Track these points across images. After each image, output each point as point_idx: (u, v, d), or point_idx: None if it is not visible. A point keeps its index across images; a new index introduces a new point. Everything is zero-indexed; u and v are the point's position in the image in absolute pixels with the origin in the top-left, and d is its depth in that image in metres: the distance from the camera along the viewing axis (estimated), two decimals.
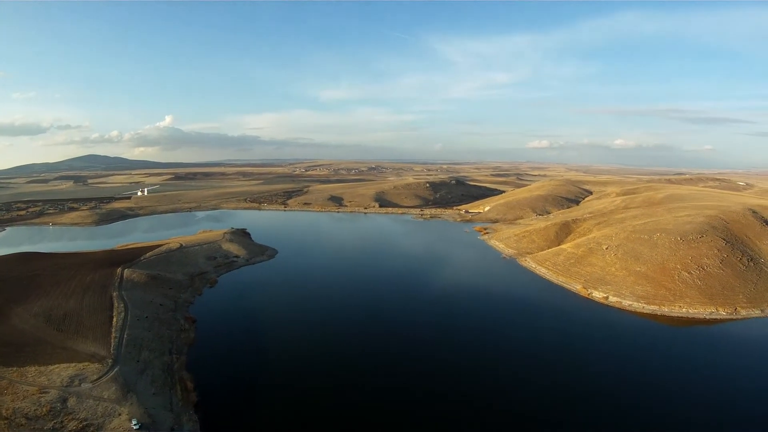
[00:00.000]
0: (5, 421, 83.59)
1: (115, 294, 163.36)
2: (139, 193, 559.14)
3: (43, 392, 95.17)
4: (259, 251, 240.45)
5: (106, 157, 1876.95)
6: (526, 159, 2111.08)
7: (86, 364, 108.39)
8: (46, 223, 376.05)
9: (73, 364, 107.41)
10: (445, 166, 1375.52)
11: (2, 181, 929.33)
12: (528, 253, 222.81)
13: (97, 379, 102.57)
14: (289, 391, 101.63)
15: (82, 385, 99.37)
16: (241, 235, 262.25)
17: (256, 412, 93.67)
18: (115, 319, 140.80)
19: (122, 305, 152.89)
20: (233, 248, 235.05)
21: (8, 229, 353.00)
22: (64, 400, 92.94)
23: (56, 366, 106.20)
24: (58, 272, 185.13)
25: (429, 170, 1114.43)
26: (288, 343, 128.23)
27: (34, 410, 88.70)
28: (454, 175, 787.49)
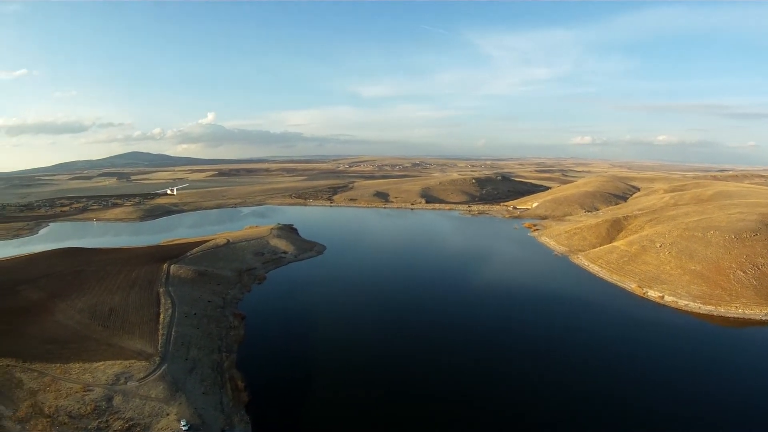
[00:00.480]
0: (47, 420, 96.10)
1: (161, 290, 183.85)
2: (169, 192, 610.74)
3: (88, 390, 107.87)
4: (307, 247, 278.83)
5: (148, 154, 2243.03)
6: (568, 155, 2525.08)
7: (132, 361, 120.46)
8: (90, 219, 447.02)
9: (119, 362, 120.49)
10: (488, 162, 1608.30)
11: (45, 177, 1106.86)
12: (580, 250, 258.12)
13: (143, 378, 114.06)
14: (340, 391, 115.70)
15: (128, 383, 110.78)
16: (289, 230, 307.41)
17: (308, 413, 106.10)
18: (162, 316, 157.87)
19: (169, 301, 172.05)
20: (281, 244, 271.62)
21: (51, 224, 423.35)
22: (110, 399, 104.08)
23: (101, 363, 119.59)
24: (103, 268, 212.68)
25: (473, 166, 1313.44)
26: (338, 341, 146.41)
27: (78, 408, 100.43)
28: (499, 171, 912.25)
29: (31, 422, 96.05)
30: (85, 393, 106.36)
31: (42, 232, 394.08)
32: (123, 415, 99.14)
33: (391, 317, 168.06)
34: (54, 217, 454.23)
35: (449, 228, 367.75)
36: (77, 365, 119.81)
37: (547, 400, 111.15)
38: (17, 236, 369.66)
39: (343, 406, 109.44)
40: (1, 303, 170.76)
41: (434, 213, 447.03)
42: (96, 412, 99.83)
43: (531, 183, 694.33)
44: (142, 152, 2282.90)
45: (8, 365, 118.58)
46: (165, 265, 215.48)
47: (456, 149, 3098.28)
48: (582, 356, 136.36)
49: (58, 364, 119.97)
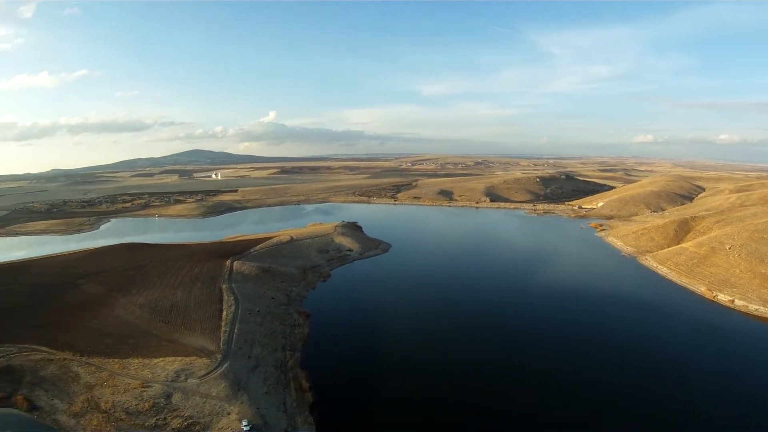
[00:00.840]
0: (103, 415, 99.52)
1: (224, 286, 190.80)
2: (213, 176, 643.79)
3: (146, 386, 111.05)
4: (372, 245, 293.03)
5: (210, 152, 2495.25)
6: (630, 154, 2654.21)
7: (193, 358, 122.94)
8: (152, 215, 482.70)
9: (180, 358, 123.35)
10: (551, 161, 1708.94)
11: (107, 175, 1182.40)
12: (648, 251, 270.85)
13: (204, 375, 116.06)
14: (407, 393, 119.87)
15: (188, 380, 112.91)
16: (353, 228, 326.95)
17: (373, 416, 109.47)
18: (224, 313, 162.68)
19: (232, 298, 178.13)
20: (346, 241, 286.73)
21: (113, 220, 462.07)
22: (169, 396, 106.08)
23: (161, 359, 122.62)
24: (165, 263, 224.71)
25: (536, 165, 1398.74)
26: (405, 342, 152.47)
27: (136, 405, 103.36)
28: (562, 169, 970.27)
29: (86, 417, 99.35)
30: (143, 389, 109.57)
31: (103, 227, 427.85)
32: (182, 413, 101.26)
33: (458, 317, 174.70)
34: (115, 213, 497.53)
35: (515, 227, 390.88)
36: (136, 361, 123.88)
37: (617, 410, 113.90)
38: (78, 231, 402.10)
39: (408, 408, 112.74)
40: (61, 297, 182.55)
41: (499, 212, 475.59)
42: (154, 409, 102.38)
43: (595, 182, 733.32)
44: (204, 150, 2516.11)
45: (65, 359, 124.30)
46: (228, 262, 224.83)
47: (518, 148, 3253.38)
48: (653, 364, 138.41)
49: (117, 359, 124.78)
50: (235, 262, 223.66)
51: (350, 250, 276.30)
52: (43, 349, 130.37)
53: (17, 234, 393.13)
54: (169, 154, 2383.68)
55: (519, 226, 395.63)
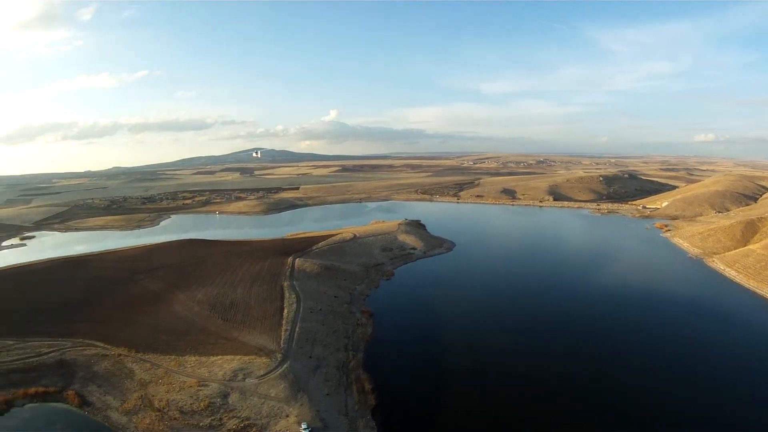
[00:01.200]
0: (156, 413, 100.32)
1: (286, 284, 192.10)
2: (254, 155, 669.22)
3: (203, 385, 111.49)
4: (435, 243, 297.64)
5: (272, 150, 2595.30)
6: (691, 153, 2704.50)
7: (252, 357, 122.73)
8: (213, 212, 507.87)
9: (238, 357, 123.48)
10: (612, 160, 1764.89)
11: (168, 172, 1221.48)
12: (714, 253, 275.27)
13: (263, 375, 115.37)
14: (472, 397, 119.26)
15: (246, 380, 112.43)
16: (417, 226, 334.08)
17: (437, 421, 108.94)
18: (286, 311, 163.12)
19: (294, 296, 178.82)
20: (409, 240, 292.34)
21: (173, 216, 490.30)
22: (225, 396, 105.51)
23: (218, 357, 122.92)
24: (225, 260, 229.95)
25: (597, 164, 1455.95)
26: (470, 343, 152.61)
27: (191, 404, 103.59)
28: (623, 169, 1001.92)
29: (139, 415, 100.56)
30: (199, 388, 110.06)
31: (163, 223, 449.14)
32: (238, 414, 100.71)
33: (524, 320, 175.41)
34: (176, 210, 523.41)
35: (581, 227, 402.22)
36: (193, 358, 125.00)
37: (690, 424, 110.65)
38: (138, 227, 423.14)
39: (472, 414, 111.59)
40: (118, 292, 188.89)
41: (563, 211, 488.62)
42: (210, 408, 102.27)
43: (657, 182, 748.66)
44: (266, 148, 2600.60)
45: (120, 354, 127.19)
46: (290, 259, 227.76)
47: (579, 146, 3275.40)
48: (722, 373, 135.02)
49: (173, 356, 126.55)
50: (297, 260, 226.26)
51: (414, 248, 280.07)
52: (98, 344, 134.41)
53: (76, 229, 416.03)
54: (231, 152, 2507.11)
55: (584, 225, 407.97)
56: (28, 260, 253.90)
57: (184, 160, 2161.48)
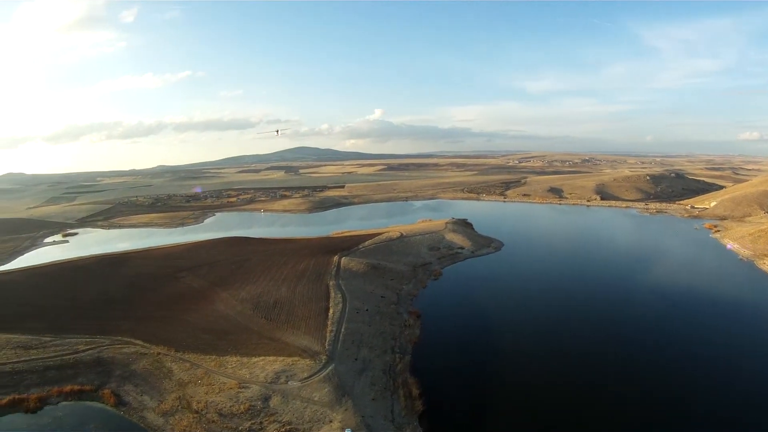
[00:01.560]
0: (194, 415, 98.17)
1: (331, 283, 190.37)
2: (276, 133, 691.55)
3: (243, 387, 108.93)
4: (484, 243, 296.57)
5: (316, 149, 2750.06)
6: (736, 151, 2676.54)
7: (296, 359, 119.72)
8: (257, 210, 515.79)
9: (281, 358, 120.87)
10: (658, 159, 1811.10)
11: (212, 171, 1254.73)
12: (765, 255, 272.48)
13: (307, 378, 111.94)
14: (524, 405, 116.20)
15: (289, 382, 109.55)
16: (464, 225, 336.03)
17: (487, 428, 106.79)
18: (331, 311, 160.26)
19: (339, 295, 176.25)
20: (457, 239, 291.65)
21: (218, 214, 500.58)
22: (267, 399, 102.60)
23: (261, 358, 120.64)
24: (270, 258, 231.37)
25: (642, 163, 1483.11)
26: (522, 348, 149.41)
27: (230, 407, 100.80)
28: (669, 168, 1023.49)
29: (176, 416, 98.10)
30: (239, 390, 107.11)
31: (207, 221, 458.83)
32: (280, 418, 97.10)
33: (575, 322, 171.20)
34: (220, 208, 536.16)
35: (630, 226, 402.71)
36: (234, 359, 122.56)
37: None
38: (182, 224, 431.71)
39: (525, 422, 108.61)
40: (160, 289, 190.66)
41: (611, 210, 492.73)
42: (250, 412, 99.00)
43: (704, 181, 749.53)
44: (310, 147, 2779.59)
45: (159, 353, 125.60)
46: (335, 257, 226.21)
47: (623, 145, 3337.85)
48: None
49: (214, 356, 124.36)
50: (342, 258, 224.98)
51: (462, 247, 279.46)
52: (137, 342, 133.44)
53: (120, 226, 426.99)
54: (275, 150, 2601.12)
55: (633, 225, 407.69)
56: (69, 257, 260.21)
57: (228, 158, 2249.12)
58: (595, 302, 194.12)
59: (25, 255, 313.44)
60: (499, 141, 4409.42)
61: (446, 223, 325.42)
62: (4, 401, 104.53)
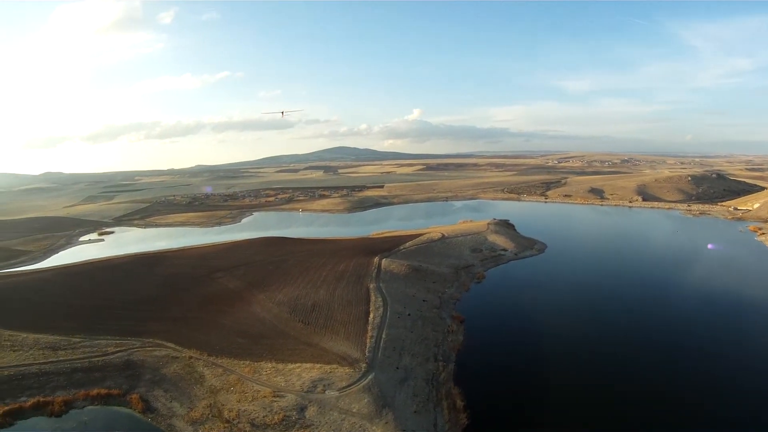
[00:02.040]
0: (225, 425, 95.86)
1: (372, 285, 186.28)
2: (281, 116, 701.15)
3: (278, 396, 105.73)
4: (527, 245, 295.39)
5: (355, 149, 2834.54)
6: None
7: (334, 366, 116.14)
8: (296, 209, 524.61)
9: (318, 365, 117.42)
10: (697, 159, 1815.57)
11: (251, 170, 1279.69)
12: None
13: (345, 387, 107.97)
14: (575, 417, 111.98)
15: (326, 392, 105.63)
16: (506, 226, 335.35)
17: None
18: (371, 315, 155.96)
19: (380, 299, 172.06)
20: (499, 240, 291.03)
21: (255, 214, 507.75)
22: (302, 409, 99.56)
23: (297, 365, 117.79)
24: (308, 259, 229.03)
25: (682, 163, 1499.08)
26: (570, 355, 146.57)
27: (263, 417, 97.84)
28: (709, 168, 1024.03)
29: (206, 425, 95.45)
30: (274, 399, 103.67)
31: (245, 220, 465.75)
32: (316, 431, 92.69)
33: (625, 329, 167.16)
34: (258, 207, 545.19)
35: (674, 229, 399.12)
36: (269, 365, 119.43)
37: None
38: (219, 224, 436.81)
39: None
40: (195, 290, 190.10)
41: (653, 212, 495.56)
42: (284, 423, 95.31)
43: (745, 182, 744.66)
44: (349, 147, 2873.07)
45: (191, 357, 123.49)
46: (376, 259, 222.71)
47: (662, 145, 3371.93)
48: None
49: (248, 362, 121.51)
50: (383, 260, 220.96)
51: (504, 249, 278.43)
52: (169, 344, 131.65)
53: (156, 225, 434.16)
54: (314, 150, 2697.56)
55: (677, 227, 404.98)
56: (104, 255, 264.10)
57: (266, 158, 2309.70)
58: (646, 308, 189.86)
59: (60, 253, 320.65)
60: (538, 141, 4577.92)
61: (488, 224, 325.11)
62: (28, 403, 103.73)
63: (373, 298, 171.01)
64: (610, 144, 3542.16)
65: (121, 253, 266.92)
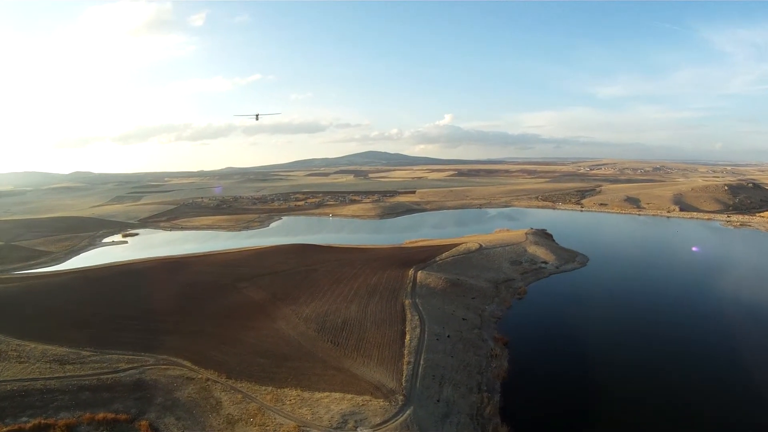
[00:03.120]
0: None
1: (407, 302, 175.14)
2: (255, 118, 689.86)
3: (303, 431, 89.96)
4: (568, 257, 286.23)
5: (386, 153, 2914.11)
6: None
7: (367, 398, 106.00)
8: (326, 214, 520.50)
9: (349, 396, 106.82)
10: (729, 168, 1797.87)
11: (281, 173, 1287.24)
12: None
13: (380, 424, 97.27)
14: None
15: (358, 429, 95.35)
16: (544, 236, 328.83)
17: None
18: (408, 337, 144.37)
19: (417, 317, 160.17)
20: (539, 252, 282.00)
21: (284, 218, 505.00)
22: None
23: (325, 395, 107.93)
24: (339, 269, 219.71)
25: (714, 171, 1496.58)
26: (627, 384, 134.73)
27: None
28: (741, 177, 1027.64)
29: None
30: None
31: (273, 225, 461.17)
32: None
33: (683, 353, 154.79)
34: (287, 211, 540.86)
35: (717, 241, 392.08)
36: (294, 393, 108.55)
37: None
38: (247, 228, 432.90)
39: None
40: (217, 301, 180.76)
41: (692, 222, 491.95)
42: None
43: None
44: (380, 151, 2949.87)
45: (209, 379, 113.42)
46: (411, 271, 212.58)
47: (692, 153, 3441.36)
48: None
49: (270, 388, 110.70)
50: (418, 272, 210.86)
51: (545, 262, 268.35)
52: (185, 363, 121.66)
53: (182, 228, 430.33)
54: (345, 154, 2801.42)
55: (720, 239, 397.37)
56: (125, 259, 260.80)
57: (297, 161, 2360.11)
58: (701, 327, 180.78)
59: (82, 255, 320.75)
60: (569, 147, 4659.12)
61: (526, 234, 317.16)
62: (29, 425, 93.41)
63: (409, 316, 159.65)
64: (640, 151, 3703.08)
65: (143, 257, 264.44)
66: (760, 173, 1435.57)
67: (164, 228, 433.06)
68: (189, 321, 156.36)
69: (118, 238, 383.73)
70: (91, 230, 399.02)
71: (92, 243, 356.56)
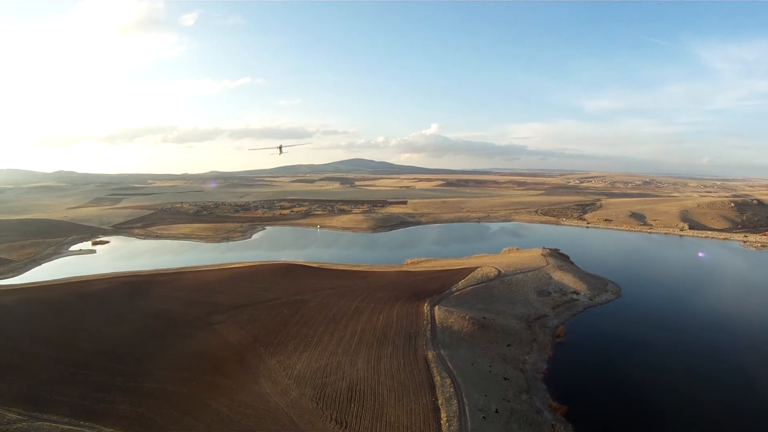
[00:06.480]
0: None
1: (430, 354, 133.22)
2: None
3: None
4: (598, 285, 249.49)
5: (372, 161, 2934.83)
6: None
7: None
8: (314, 225, 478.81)
9: None
10: (717, 182, 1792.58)
11: (266, 179, 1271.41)
12: None
13: None
14: None
15: None
16: (561, 258, 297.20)
17: None
18: (443, 415, 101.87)
19: (448, 381, 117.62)
20: (566, 279, 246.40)
21: (268, 228, 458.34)
22: None
23: None
24: (336, 301, 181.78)
25: (705, 186, 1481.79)
26: None
27: None
28: (732, 192, 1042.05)
29: None
30: None
31: (256, 236, 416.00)
32: None
33: None
34: (272, 221, 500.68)
35: (746, 264, 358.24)
36: None
37: None
38: (227, 239, 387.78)
39: None
40: (184, 341, 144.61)
41: (709, 242, 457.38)
42: None
43: None
44: (366, 159, 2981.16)
45: None
46: (426, 307, 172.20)
47: (678, 167, 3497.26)
48: None
49: None
50: (435, 309, 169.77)
51: (576, 292, 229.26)
52: None
53: (157, 236, 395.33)
54: (331, 161, 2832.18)
55: (749, 263, 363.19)
56: (87, 273, 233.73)
57: (283, 167, 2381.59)
58: None
59: (44, 265, 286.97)
60: (554, 159, 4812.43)
61: (543, 255, 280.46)
62: None
63: (438, 379, 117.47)
64: (628, 164, 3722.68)
65: (107, 272, 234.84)
66: (750, 188, 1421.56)
67: (138, 236, 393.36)
68: (147, 371, 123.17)
69: (87, 246, 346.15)
70: (61, 236, 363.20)
71: (58, 251, 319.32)
